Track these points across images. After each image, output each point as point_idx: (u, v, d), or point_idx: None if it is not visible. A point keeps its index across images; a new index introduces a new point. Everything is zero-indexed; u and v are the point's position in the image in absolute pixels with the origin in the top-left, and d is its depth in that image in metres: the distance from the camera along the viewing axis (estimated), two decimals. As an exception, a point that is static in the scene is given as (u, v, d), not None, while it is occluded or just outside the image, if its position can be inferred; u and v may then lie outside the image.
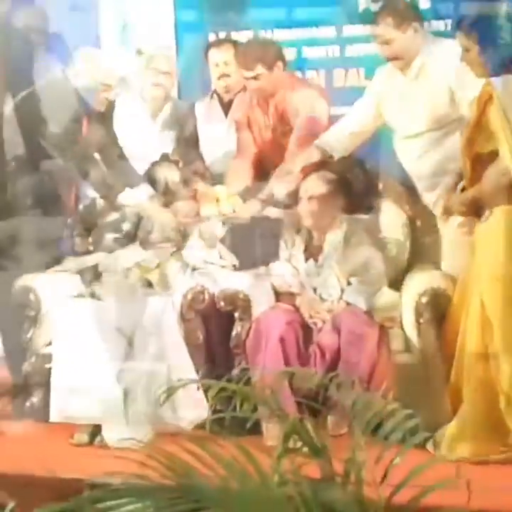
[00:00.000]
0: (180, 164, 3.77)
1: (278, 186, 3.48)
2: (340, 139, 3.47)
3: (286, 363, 2.99)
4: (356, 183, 3.37)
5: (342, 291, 3.16)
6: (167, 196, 3.69)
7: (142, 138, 4.03)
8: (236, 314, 3.18)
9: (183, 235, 3.53)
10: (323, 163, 3.43)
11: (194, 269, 3.39)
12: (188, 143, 4.02)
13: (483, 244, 2.86)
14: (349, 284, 3.19)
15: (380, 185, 3.52)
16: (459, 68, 2.97)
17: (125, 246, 3.59)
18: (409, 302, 3.09)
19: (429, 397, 2.91)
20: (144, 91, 4.06)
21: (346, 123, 3.51)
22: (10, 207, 3.85)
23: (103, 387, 3.09)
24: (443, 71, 3.17)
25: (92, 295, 3.39)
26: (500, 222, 2.80)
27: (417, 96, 3.26)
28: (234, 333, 3.17)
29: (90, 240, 3.76)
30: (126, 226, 3.63)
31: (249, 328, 3.14)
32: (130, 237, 3.62)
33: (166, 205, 3.68)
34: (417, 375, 3.02)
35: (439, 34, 3.56)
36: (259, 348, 3.05)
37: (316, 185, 3.27)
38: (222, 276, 3.32)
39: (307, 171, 3.38)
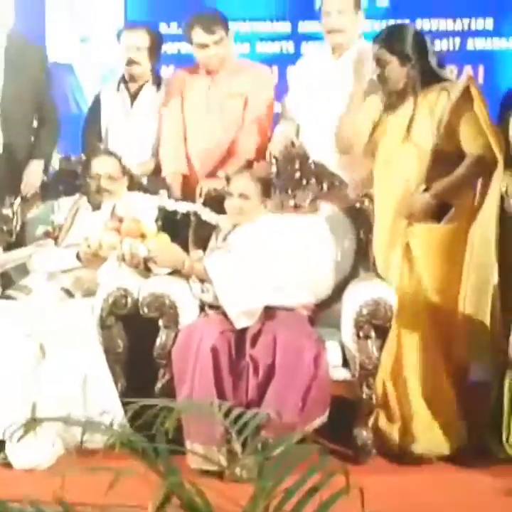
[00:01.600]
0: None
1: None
2: None
3: (217, 376, 2.76)
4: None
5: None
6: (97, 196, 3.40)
7: None
8: (161, 322, 2.93)
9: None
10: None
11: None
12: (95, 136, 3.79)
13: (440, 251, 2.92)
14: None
15: (324, 186, 3.32)
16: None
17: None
18: (349, 313, 2.89)
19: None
20: None
21: None
22: None
23: (8, 399, 2.78)
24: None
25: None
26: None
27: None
28: (158, 342, 2.92)
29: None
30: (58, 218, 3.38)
31: (175, 336, 2.90)
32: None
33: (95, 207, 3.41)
34: (354, 393, 2.85)
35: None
36: (187, 359, 2.81)
37: (247, 182, 3.11)
38: (147, 281, 3.04)
39: None
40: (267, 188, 3.15)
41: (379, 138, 3.05)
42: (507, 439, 2.78)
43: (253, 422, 1.39)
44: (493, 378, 2.91)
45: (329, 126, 3.34)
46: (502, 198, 2.92)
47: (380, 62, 2.98)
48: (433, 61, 2.97)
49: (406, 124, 2.96)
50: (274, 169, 3.31)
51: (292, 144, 3.39)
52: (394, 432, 2.90)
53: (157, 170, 3.72)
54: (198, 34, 3.56)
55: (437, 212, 2.94)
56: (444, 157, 2.93)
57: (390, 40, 2.97)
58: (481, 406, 2.92)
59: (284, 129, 3.57)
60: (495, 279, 2.86)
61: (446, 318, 2.93)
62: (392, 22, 4.23)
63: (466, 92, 2.89)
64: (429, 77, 2.97)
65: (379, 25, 4.19)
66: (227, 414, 1.49)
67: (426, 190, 2.94)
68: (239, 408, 1.48)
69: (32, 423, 1.51)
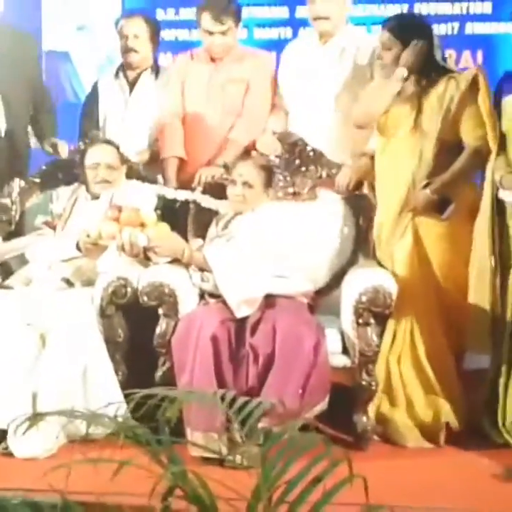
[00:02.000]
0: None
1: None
2: None
3: (217, 364, 2.76)
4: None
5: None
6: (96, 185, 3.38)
7: None
8: (160, 310, 2.93)
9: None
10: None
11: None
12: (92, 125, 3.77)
13: (444, 242, 2.94)
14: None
15: (323, 173, 3.32)
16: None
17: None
18: (348, 300, 2.89)
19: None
20: None
21: None
22: None
23: (9, 389, 2.80)
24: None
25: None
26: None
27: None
28: (158, 330, 2.92)
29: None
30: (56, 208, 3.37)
31: (175, 325, 2.90)
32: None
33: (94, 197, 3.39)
34: (354, 380, 2.86)
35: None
36: (187, 347, 2.82)
37: (250, 170, 3.10)
38: (146, 270, 3.04)
39: None
40: (269, 176, 3.14)
41: (384, 126, 3.04)
42: (503, 423, 2.83)
43: (257, 411, 1.39)
44: (491, 364, 2.93)
45: (317, 112, 3.35)
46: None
47: (384, 48, 3.00)
48: (438, 54, 2.97)
49: (413, 116, 2.97)
50: (273, 157, 3.31)
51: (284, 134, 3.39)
52: (396, 417, 2.92)
53: (155, 158, 3.71)
54: (206, 21, 3.51)
55: (439, 206, 2.94)
56: (449, 148, 2.94)
57: (396, 27, 2.98)
58: (477, 391, 2.96)
59: (274, 120, 3.56)
60: (492, 267, 2.85)
61: (453, 305, 2.94)
62: (390, 6, 4.23)
63: (473, 83, 2.90)
64: (434, 70, 2.98)
65: (377, 9, 4.18)
66: (230, 404, 1.49)
67: (426, 185, 2.94)
68: (242, 398, 1.48)
69: (36, 417, 1.51)
